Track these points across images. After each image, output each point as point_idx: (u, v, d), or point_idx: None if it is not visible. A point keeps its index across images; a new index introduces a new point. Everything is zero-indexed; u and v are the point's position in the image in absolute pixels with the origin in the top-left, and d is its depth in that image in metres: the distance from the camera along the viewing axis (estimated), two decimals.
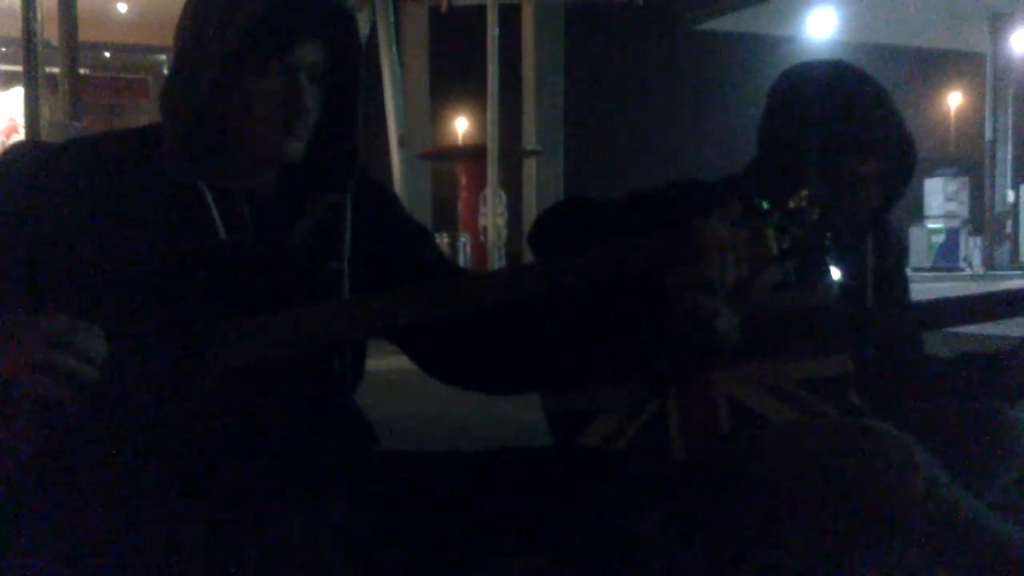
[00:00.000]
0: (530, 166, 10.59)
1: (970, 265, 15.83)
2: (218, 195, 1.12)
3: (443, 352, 1.21)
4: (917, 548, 1.29)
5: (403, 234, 1.25)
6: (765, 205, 1.15)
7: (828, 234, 1.17)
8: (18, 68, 7.87)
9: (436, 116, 12.50)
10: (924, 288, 1.70)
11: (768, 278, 1.42)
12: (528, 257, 1.48)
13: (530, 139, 10.59)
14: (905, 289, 1.67)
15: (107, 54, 8.58)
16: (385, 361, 1.48)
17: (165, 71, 9.30)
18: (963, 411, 1.50)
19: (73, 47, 7.37)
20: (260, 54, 1.09)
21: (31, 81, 7.34)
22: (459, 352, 1.20)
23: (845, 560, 1.35)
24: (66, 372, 0.96)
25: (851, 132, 1.48)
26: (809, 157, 1.49)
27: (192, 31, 1.10)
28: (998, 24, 15.81)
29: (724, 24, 13.60)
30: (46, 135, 7.01)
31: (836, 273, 1.49)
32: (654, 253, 1.13)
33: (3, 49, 8.82)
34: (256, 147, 1.12)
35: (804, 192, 1.17)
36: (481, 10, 8.90)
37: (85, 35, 7.66)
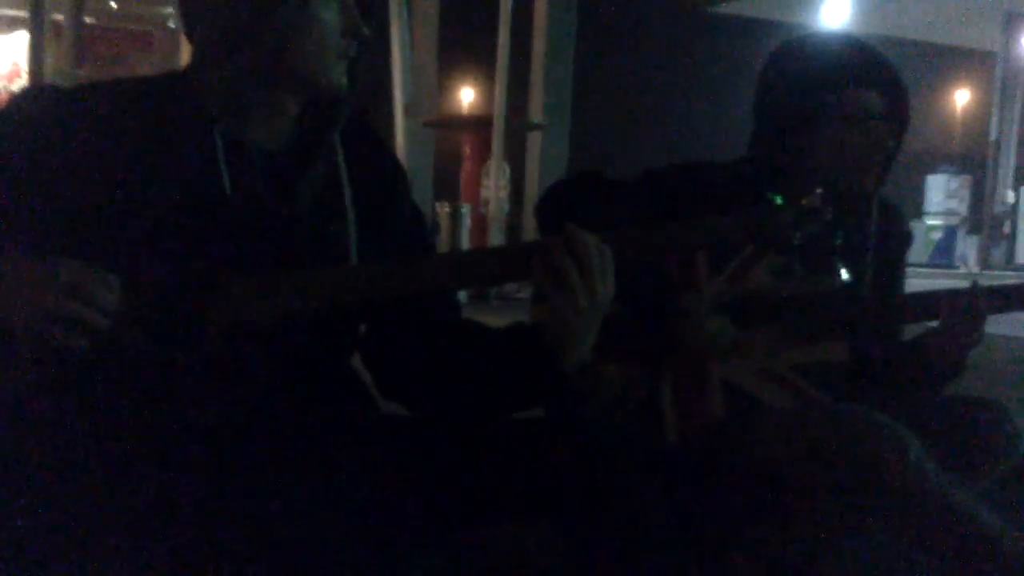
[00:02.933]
0: (535, 140, 10.54)
1: (966, 263, 15.85)
2: (229, 147, 1.11)
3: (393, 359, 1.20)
4: (906, 535, 1.30)
5: (403, 214, 1.25)
6: (778, 200, 1.16)
7: (839, 231, 1.17)
8: (22, 13, 7.80)
9: (443, 85, 12.41)
10: (918, 284, 1.73)
11: (768, 265, 1.44)
12: (529, 232, 1.49)
13: (537, 113, 10.54)
14: (901, 278, 1.68)
15: (113, 4, 8.50)
16: None
17: (171, 24, 9.20)
18: (955, 403, 1.51)
19: None
20: None
21: (36, 27, 7.24)
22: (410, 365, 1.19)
23: (835, 545, 1.38)
24: (80, 321, 0.95)
25: (844, 73, 1.51)
26: (806, 109, 1.51)
27: None
28: (1011, 24, 15.72)
29: (737, 8, 13.54)
30: (50, 82, 6.93)
31: (840, 261, 1.49)
32: (520, 264, 1.10)
33: None
34: (317, 76, 1.12)
35: (819, 190, 1.17)
36: None
37: None
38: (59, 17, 7.67)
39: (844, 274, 1.46)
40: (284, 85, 1.13)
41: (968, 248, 16.32)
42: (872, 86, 1.52)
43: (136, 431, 1.02)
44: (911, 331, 1.63)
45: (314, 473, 1.05)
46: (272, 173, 1.14)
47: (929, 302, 1.54)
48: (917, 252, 15.84)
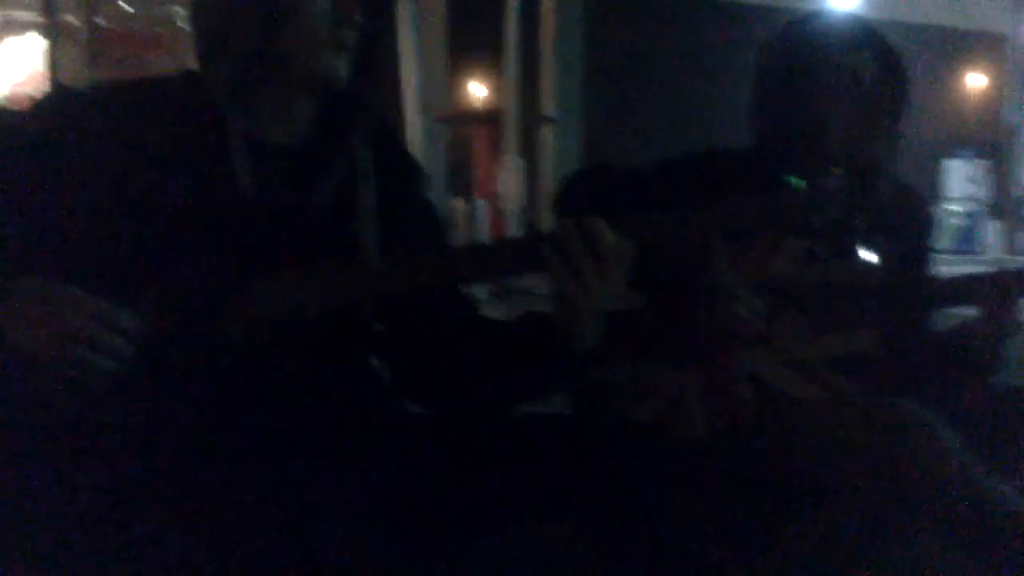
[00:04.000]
0: (548, 133, 10.51)
1: (990, 249, 15.71)
2: (245, 145, 1.11)
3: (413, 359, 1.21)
4: (944, 531, 1.26)
5: (419, 211, 1.25)
6: (795, 182, 1.15)
7: (860, 212, 1.15)
8: (34, 16, 7.84)
9: (454, 80, 12.40)
10: (942, 272, 1.70)
11: (794, 252, 1.41)
12: (545, 225, 1.48)
13: (549, 106, 10.50)
14: (928, 264, 1.66)
15: (124, 5, 8.56)
16: None
17: (180, 24, 9.27)
18: (996, 394, 1.49)
19: None
20: None
21: (49, 29, 7.28)
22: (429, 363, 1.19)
23: (868, 544, 1.34)
24: (104, 349, 0.96)
25: (839, 46, 1.52)
26: (807, 83, 1.51)
27: None
28: (1022, 5, 15.55)
29: None
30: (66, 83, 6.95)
31: (863, 243, 1.46)
32: (533, 255, 1.10)
33: None
34: (309, 64, 1.11)
35: (837, 170, 1.16)
36: None
37: None
38: (70, 19, 7.69)
39: (868, 256, 1.43)
40: (280, 77, 1.12)
41: (991, 234, 16.18)
42: (858, 51, 1.52)
43: (158, 432, 1.02)
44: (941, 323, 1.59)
45: (335, 472, 1.05)
46: (290, 169, 1.13)
47: (968, 286, 1.49)
48: (939, 239, 15.63)
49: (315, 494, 1.03)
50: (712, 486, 1.26)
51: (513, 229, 8.05)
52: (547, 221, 7.06)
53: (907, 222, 1.61)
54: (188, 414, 1.04)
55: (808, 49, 1.54)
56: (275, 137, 1.14)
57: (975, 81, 23.41)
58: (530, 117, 9.67)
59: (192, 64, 1.19)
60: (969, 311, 1.49)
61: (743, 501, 1.34)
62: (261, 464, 1.03)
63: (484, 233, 7.62)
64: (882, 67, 1.54)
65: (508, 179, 8.23)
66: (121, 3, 7.91)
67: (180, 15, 8.22)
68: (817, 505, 1.33)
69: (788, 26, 1.63)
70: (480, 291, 3.05)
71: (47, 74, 6.82)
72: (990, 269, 1.62)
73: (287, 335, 1.07)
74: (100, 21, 8.02)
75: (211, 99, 1.12)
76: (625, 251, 1.08)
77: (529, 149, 9.64)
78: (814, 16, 1.63)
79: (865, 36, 1.56)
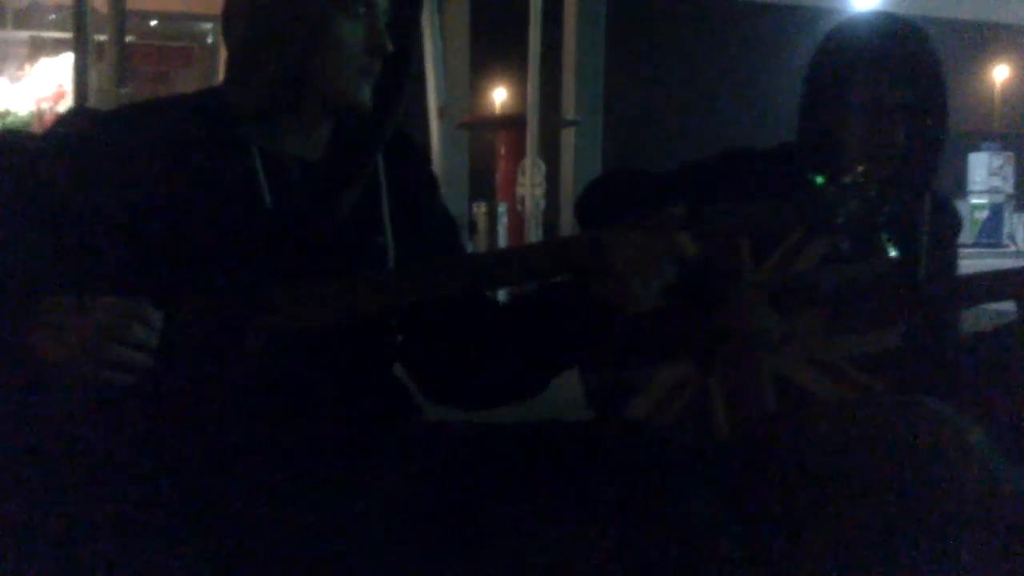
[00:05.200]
0: (569, 136, 10.50)
1: (1014, 242, 15.52)
2: (268, 161, 1.13)
3: (429, 357, 1.22)
4: (971, 538, 1.22)
5: (436, 220, 1.26)
6: (819, 180, 1.13)
7: (885, 208, 1.14)
8: (67, 35, 7.95)
9: (475, 85, 12.43)
10: (967, 265, 1.68)
11: (817, 249, 1.40)
12: (567, 228, 1.50)
13: (569, 109, 10.49)
14: (955, 265, 1.63)
15: (154, 22, 8.65)
16: None
17: (210, 40, 9.34)
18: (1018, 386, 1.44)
19: (121, 15, 7.42)
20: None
21: (80, 48, 7.41)
22: (446, 359, 1.21)
23: (893, 549, 1.28)
24: (121, 362, 0.97)
25: (889, 64, 1.47)
26: (852, 97, 1.48)
27: None
28: None
29: None
30: (93, 102, 7.07)
31: (890, 246, 1.42)
32: (567, 259, 1.12)
33: (52, 16, 8.89)
34: (338, 89, 1.13)
35: (861, 168, 1.15)
36: None
37: (133, 3, 7.72)
38: (102, 38, 7.83)
39: (893, 252, 1.38)
40: (309, 101, 1.14)
41: (1016, 226, 15.96)
42: (903, 79, 1.49)
43: (179, 447, 1.03)
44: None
45: (360, 483, 1.05)
46: (311, 184, 1.15)
47: (996, 282, 1.46)
48: (963, 232, 15.42)
49: (338, 504, 1.03)
50: (732, 487, 1.23)
51: (534, 232, 8.05)
52: (569, 224, 7.06)
53: (934, 228, 1.54)
54: (210, 424, 1.04)
55: (845, 70, 1.51)
56: (297, 153, 1.16)
57: (999, 74, 23.11)
58: (552, 120, 9.67)
59: (219, 80, 1.21)
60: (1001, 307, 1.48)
61: (764, 501, 1.31)
62: (282, 475, 1.04)
63: (505, 236, 7.61)
64: (922, 96, 1.50)
65: (529, 182, 8.23)
66: (150, 20, 8.00)
67: (210, 32, 8.28)
68: (840, 503, 1.28)
69: (837, 31, 1.57)
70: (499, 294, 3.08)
71: (73, 89, 6.90)
72: (1014, 262, 1.60)
73: (309, 345, 1.07)
74: (130, 38, 8.14)
75: (235, 116, 1.14)
76: (660, 253, 1.10)
77: (551, 153, 9.64)
78: (868, 23, 1.58)
79: (909, 59, 1.51)
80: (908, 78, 1.49)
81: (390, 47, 1.14)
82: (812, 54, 1.56)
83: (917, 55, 1.51)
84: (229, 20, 1.15)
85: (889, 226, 1.21)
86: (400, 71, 1.18)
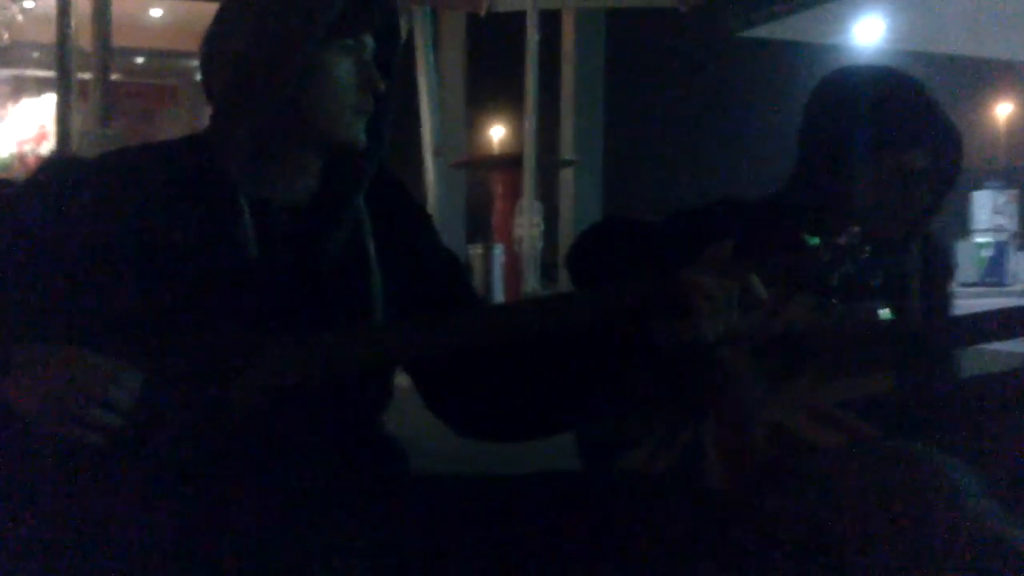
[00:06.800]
0: (567, 176, 10.42)
1: (1018, 281, 15.49)
2: (255, 209, 1.11)
3: (455, 393, 1.21)
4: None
5: (433, 261, 1.24)
6: (814, 241, 1.12)
7: (879, 271, 1.14)
8: (50, 74, 7.86)
9: (471, 125, 12.41)
10: (970, 304, 1.70)
11: (808, 305, 1.40)
12: (564, 271, 1.49)
13: (567, 148, 10.44)
14: (947, 308, 1.64)
15: (139, 60, 8.61)
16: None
17: (196, 77, 9.29)
18: (1015, 431, 1.42)
19: (106, 53, 7.29)
20: (342, 35, 1.12)
21: (63, 87, 7.29)
22: (471, 394, 1.19)
23: None
24: (91, 423, 0.98)
25: (894, 126, 1.47)
26: (852, 156, 1.47)
27: (260, 20, 1.10)
28: None
29: (768, 32, 13.38)
30: (77, 142, 6.94)
31: (880, 301, 1.44)
32: (641, 300, 1.11)
33: (35, 54, 8.84)
34: (330, 129, 1.13)
35: (855, 228, 1.14)
36: (520, 16, 8.74)
37: (118, 40, 7.60)
38: (86, 76, 7.70)
39: (885, 313, 1.41)
40: (301, 142, 1.13)
41: (1020, 264, 15.97)
42: (918, 144, 1.46)
43: (163, 503, 1.01)
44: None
45: (349, 538, 1.03)
46: (297, 231, 1.13)
47: (996, 321, 1.46)
48: (967, 271, 15.53)
49: (325, 560, 1.01)
50: (727, 537, 1.22)
51: (532, 275, 7.91)
52: (569, 276, 6.93)
53: (925, 274, 1.58)
54: (195, 479, 1.03)
55: (856, 132, 1.48)
56: (283, 199, 1.15)
57: (1002, 111, 23.21)
58: (549, 160, 9.60)
59: (206, 118, 1.19)
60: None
61: (760, 551, 1.29)
62: (269, 530, 1.02)
63: (502, 279, 7.53)
64: (935, 160, 1.47)
65: (526, 223, 8.11)
66: (136, 58, 7.93)
67: (195, 68, 8.25)
68: (834, 551, 1.29)
69: (841, 84, 1.55)
70: None
71: (53, 130, 6.81)
72: (1019, 300, 1.56)
73: (296, 399, 1.06)
74: (114, 76, 8.04)
75: (219, 163, 1.12)
76: (732, 298, 1.11)
77: (548, 193, 9.55)
78: (873, 79, 1.54)
79: (923, 124, 1.48)
80: (912, 143, 1.46)
81: (382, 86, 1.14)
82: (808, 103, 1.54)
83: (919, 117, 1.48)
84: (210, 67, 1.14)
85: (881, 287, 1.22)
86: (383, 110, 1.18)
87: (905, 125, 1.47)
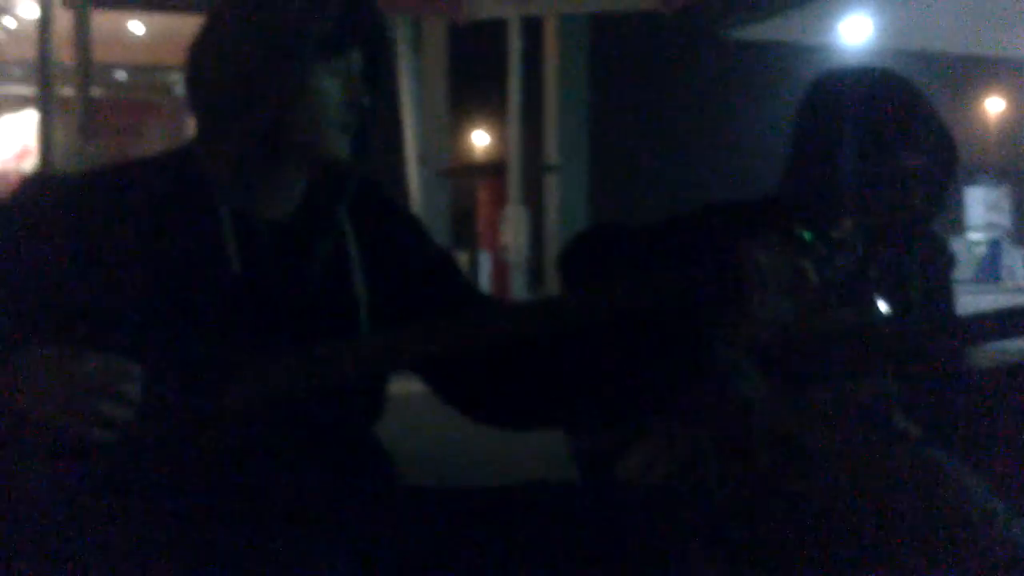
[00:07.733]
0: (552, 182, 10.40)
1: (1013, 277, 15.46)
2: (238, 223, 1.12)
3: (465, 383, 1.20)
4: None
5: (424, 260, 1.24)
6: (807, 237, 1.11)
7: (874, 266, 1.13)
8: (31, 90, 7.87)
9: (455, 132, 12.40)
10: (965, 301, 1.67)
11: (802, 303, 1.29)
12: (550, 277, 1.50)
13: (552, 154, 10.41)
14: (951, 304, 1.62)
15: (121, 75, 8.61)
16: (404, 387, 1.42)
17: (177, 93, 9.29)
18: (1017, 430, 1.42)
19: (87, 69, 7.30)
20: (330, 52, 1.12)
21: (45, 103, 7.27)
22: (483, 383, 1.19)
23: None
24: (101, 415, 0.98)
25: (888, 128, 1.45)
26: (846, 159, 1.45)
27: (247, 37, 1.10)
28: None
29: (753, 33, 13.38)
30: (59, 158, 6.94)
31: (878, 295, 1.40)
32: (692, 284, 1.09)
33: (17, 71, 8.86)
34: (315, 144, 1.13)
35: (848, 223, 1.13)
36: (502, 24, 8.75)
37: (99, 55, 7.61)
38: (68, 92, 7.71)
39: (883, 308, 1.37)
40: (285, 156, 1.13)
41: (1015, 260, 15.93)
42: (911, 145, 1.45)
43: (154, 507, 1.01)
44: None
45: (339, 548, 1.03)
46: (281, 245, 1.14)
47: (996, 321, 1.45)
48: (961, 268, 15.49)
49: (314, 571, 1.00)
50: (727, 545, 1.23)
51: (519, 281, 7.90)
52: (552, 272, 6.94)
53: (927, 269, 1.56)
54: (185, 485, 1.03)
55: (850, 137, 1.46)
56: (267, 213, 1.15)
57: (995, 107, 23.18)
58: (534, 167, 9.59)
59: (190, 134, 1.19)
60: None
61: (761, 557, 1.31)
62: (258, 538, 1.01)
63: (488, 286, 7.51)
64: (931, 162, 1.46)
65: (512, 230, 8.11)
66: (117, 73, 7.92)
67: (177, 83, 8.26)
68: (838, 554, 1.28)
69: (833, 88, 1.54)
70: None
71: (36, 148, 6.79)
72: (1014, 297, 1.52)
73: (288, 407, 1.06)
74: (96, 92, 8.04)
75: (202, 178, 1.13)
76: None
77: (533, 199, 9.54)
78: (866, 81, 1.52)
79: (918, 127, 1.47)
80: (904, 142, 1.46)
81: (366, 101, 1.15)
82: (799, 106, 1.53)
83: (909, 117, 1.48)
84: (195, 81, 1.14)
85: (879, 281, 1.20)
86: (368, 124, 1.18)
87: (898, 126, 1.47)
